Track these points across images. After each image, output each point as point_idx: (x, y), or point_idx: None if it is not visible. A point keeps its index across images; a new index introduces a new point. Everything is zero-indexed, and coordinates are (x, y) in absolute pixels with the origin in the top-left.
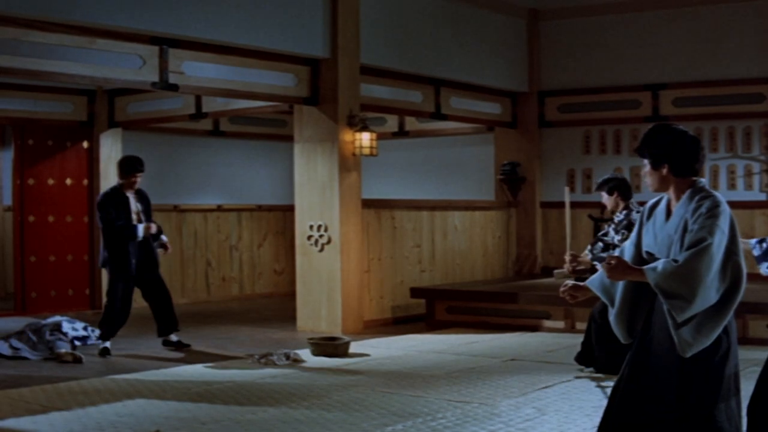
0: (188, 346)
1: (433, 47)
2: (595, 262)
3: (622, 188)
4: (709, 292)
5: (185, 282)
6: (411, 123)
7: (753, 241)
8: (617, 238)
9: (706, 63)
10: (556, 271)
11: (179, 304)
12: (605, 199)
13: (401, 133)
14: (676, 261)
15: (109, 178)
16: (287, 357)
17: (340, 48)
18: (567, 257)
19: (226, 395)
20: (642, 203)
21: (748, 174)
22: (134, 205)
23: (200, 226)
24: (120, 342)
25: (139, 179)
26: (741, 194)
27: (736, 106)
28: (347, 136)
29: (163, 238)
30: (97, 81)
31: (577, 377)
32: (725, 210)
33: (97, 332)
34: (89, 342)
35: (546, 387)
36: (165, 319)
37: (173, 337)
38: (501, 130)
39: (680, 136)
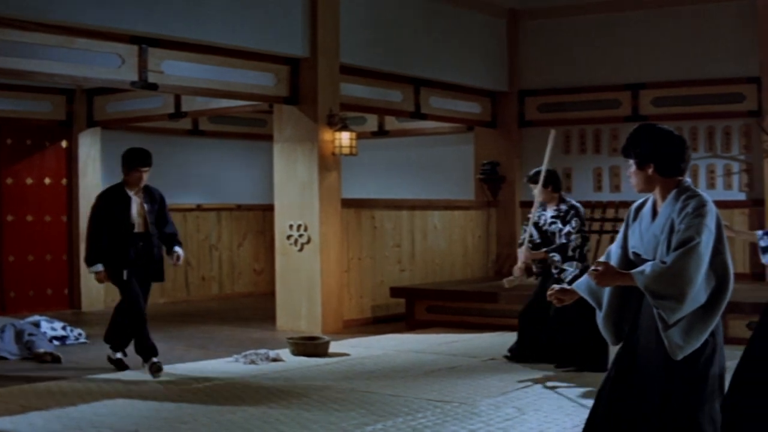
0: (127, 367)
1: (413, 47)
2: (552, 254)
3: (555, 180)
4: (699, 292)
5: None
6: (391, 122)
7: (760, 232)
8: (569, 227)
9: (686, 63)
10: (507, 279)
11: (158, 303)
12: (539, 191)
13: (381, 132)
14: (664, 262)
15: (87, 177)
16: (267, 357)
17: (320, 47)
18: (520, 264)
19: (205, 395)
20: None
21: (728, 174)
22: (137, 206)
23: (180, 225)
24: (99, 341)
25: (144, 175)
26: (720, 194)
27: (715, 106)
28: (327, 135)
29: (177, 249)
30: (76, 80)
31: (538, 380)
32: (712, 209)
33: (76, 332)
34: (68, 342)
35: (526, 386)
36: (140, 341)
37: (117, 354)
38: (481, 130)
39: (666, 135)
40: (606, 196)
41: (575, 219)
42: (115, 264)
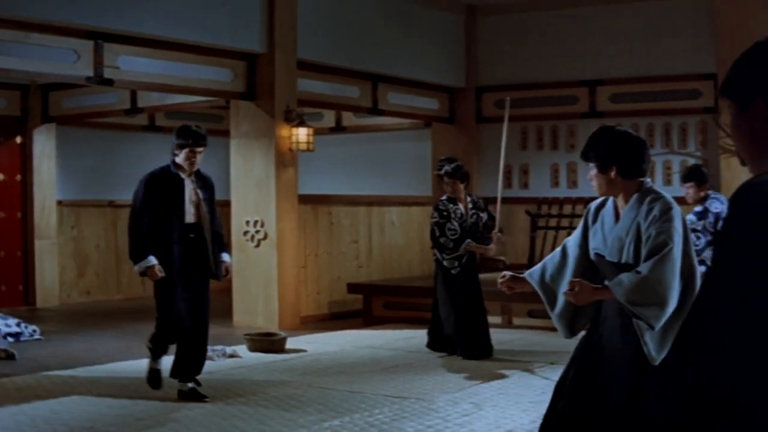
0: (204, 398)
1: (371, 43)
2: (500, 234)
3: (468, 175)
4: (677, 295)
5: (120, 277)
6: (348, 118)
7: None
8: (488, 214)
9: (643, 59)
10: (501, 257)
11: (114, 300)
12: (456, 184)
13: (338, 128)
14: (639, 272)
15: (42, 173)
16: (224, 353)
17: (277, 43)
18: (495, 241)
19: (162, 391)
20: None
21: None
22: (191, 193)
23: None
24: (53, 338)
25: (198, 157)
26: (677, 190)
27: (672, 102)
28: (284, 131)
29: (225, 258)
30: (30, 75)
31: (496, 375)
32: (677, 211)
33: (31, 329)
34: (22, 338)
35: (483, 382)
36: (181, 355)
37: (188, 385)
38: (438, 126)
39: (626, 137)
40: (563, 192)
41: (489, 205)
42: (159, 260)
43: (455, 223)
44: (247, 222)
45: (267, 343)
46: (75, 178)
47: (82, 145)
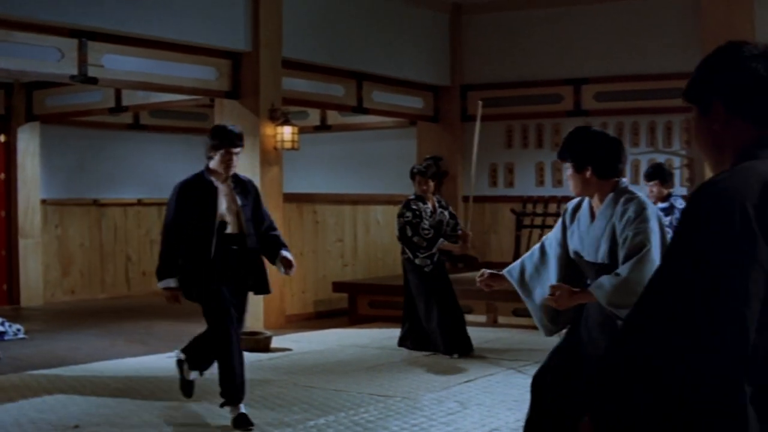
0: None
1: (356, 41)
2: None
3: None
4: None
5: (105, 277)
6: (333, 117)
7: None
8: (450, 211)
9: (628, 58)
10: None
11: (99, 299)
12: (427, 183)
13: (323, 127)
14: (618, 274)
15: (26, 171)
16: None
17: (262, 41)
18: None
19: (146, 390)
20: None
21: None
22: (228, 201)
23: (120, 220)
24: (38, 337)
25: (234, 159)
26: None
27: (656, 101)
28: (269, 130)
29: (287, 254)
30: (14, 74)
31: (481, 374)
32: (652, 210)
33: (15, 327)
34: (6, 338)
35: (468, 381)
36: (226, 377)
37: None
38: (423, 124)
39: (601, 137)
40: (548, 190)
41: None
42: (197, 276)
43: (427, 222)
44: None
45: (252, 342)
46: (59, 177)
47: (66, 144)
